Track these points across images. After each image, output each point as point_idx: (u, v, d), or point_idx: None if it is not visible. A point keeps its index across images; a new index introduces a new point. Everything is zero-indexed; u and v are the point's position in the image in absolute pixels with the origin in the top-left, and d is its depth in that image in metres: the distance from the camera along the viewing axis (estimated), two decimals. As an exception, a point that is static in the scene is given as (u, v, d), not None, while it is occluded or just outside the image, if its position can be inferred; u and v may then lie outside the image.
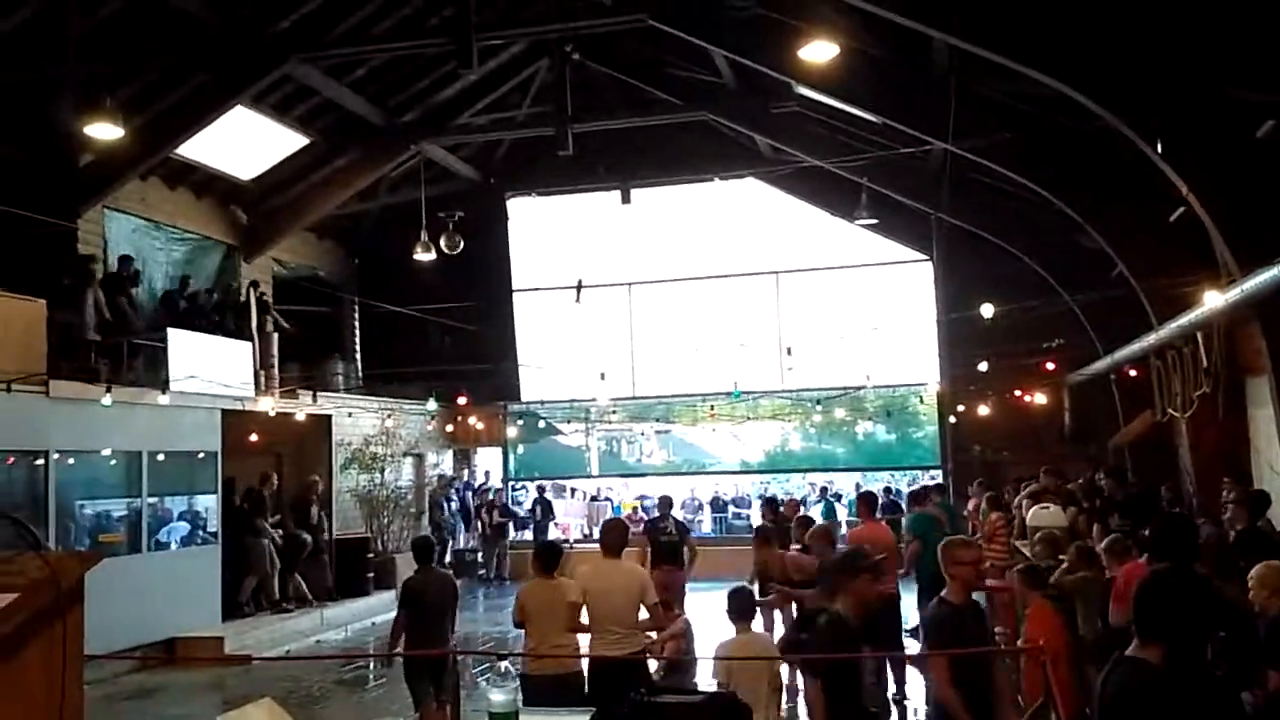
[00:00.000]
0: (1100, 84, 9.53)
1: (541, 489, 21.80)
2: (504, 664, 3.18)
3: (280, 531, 15.42)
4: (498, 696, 3.12)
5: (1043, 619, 6.20)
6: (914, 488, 15.58)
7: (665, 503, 13.63)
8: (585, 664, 6.90)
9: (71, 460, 12.45)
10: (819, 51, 9.71)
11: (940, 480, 17.45)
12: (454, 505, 20.90)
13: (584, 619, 6.97)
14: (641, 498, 22.16)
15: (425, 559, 8.39)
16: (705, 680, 9.43)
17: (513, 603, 7.53)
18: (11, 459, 11.83)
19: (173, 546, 13.93)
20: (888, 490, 18.56)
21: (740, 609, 6.65)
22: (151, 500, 13.46)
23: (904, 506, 16.11)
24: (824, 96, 14.17)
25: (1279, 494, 9.48)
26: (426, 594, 8.10)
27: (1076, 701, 5.31)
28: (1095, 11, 9.40)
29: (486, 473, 22.71)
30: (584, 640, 7.06)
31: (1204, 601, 3.11)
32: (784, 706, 6.43)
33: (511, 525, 20.96)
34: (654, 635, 7.35)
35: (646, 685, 5.79)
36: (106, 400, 12.26)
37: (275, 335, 16.57)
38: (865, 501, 11.15)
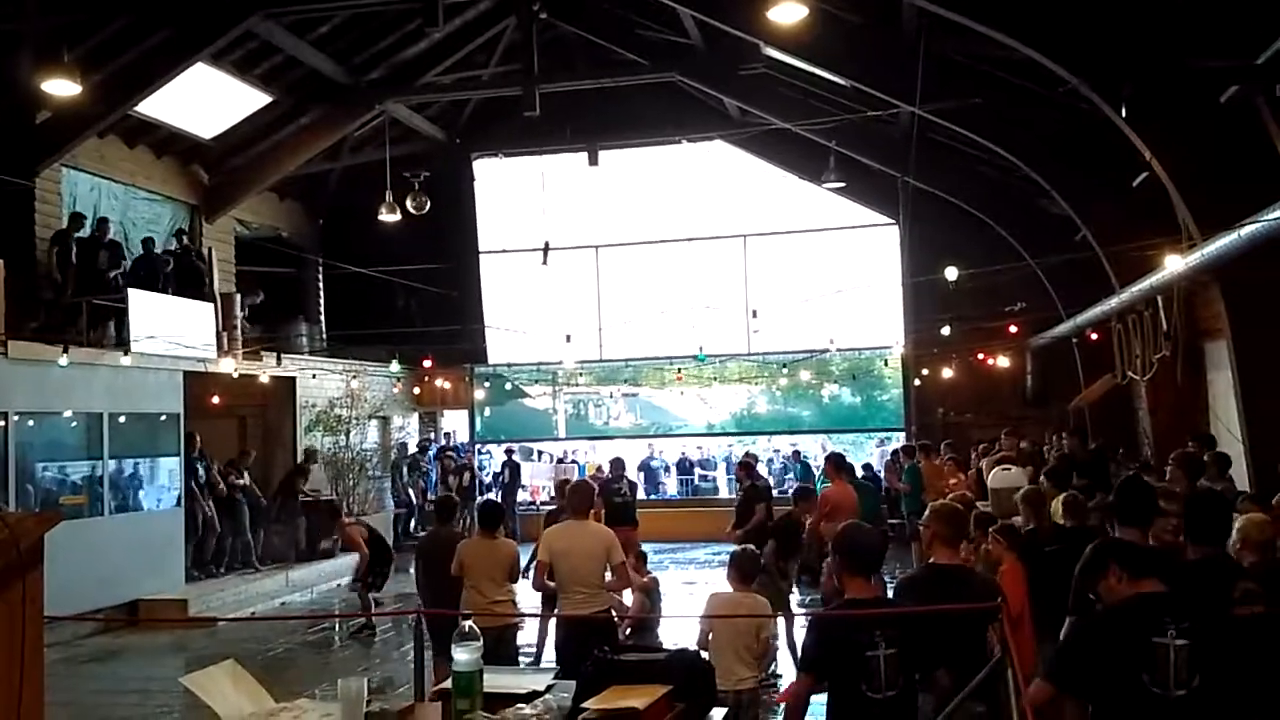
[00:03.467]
0: (1067, 49, 9.57)
1: (510, 451, 21.79)
2: (468, 623, 3.19)
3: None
4: (462, 655, 3.13)
5: (1014, 579, 6.27)
6: (904, 445, 17.03)
7: (618, 464, 13.70)
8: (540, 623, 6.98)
9: (31, 422, 12.32)
10: (787, 13, 9.63)
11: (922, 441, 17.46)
12: (430, 469, 20.84)
13: (550, 580, 7.06)
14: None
15: (443, 518, 8.55)
16: (674, 640, 9.56)
17: None
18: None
19: (134, 509, 13.82)
20: (867, 468, 18.58)
21: (743, 572, 6.67)
22: (113, 462, 13.35)
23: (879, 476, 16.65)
24: (792, 59, 14.13)
25: (1236, 456, 9.65)
26: (434, 553, 8.29)
27: (1034, 663, 5.39)
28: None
29: (446, 434, 22.63)
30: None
31: None
32: (761, 668, 6.47)
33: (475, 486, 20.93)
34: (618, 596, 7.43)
35: (611, 643, 5.84)
36: (63, 361, 12.11)
37: (238, 296, 16.41)
38: (834, 462, 11.47)
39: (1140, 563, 3.90)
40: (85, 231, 14.28)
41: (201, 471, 14.89)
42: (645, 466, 22.20)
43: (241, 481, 15.64)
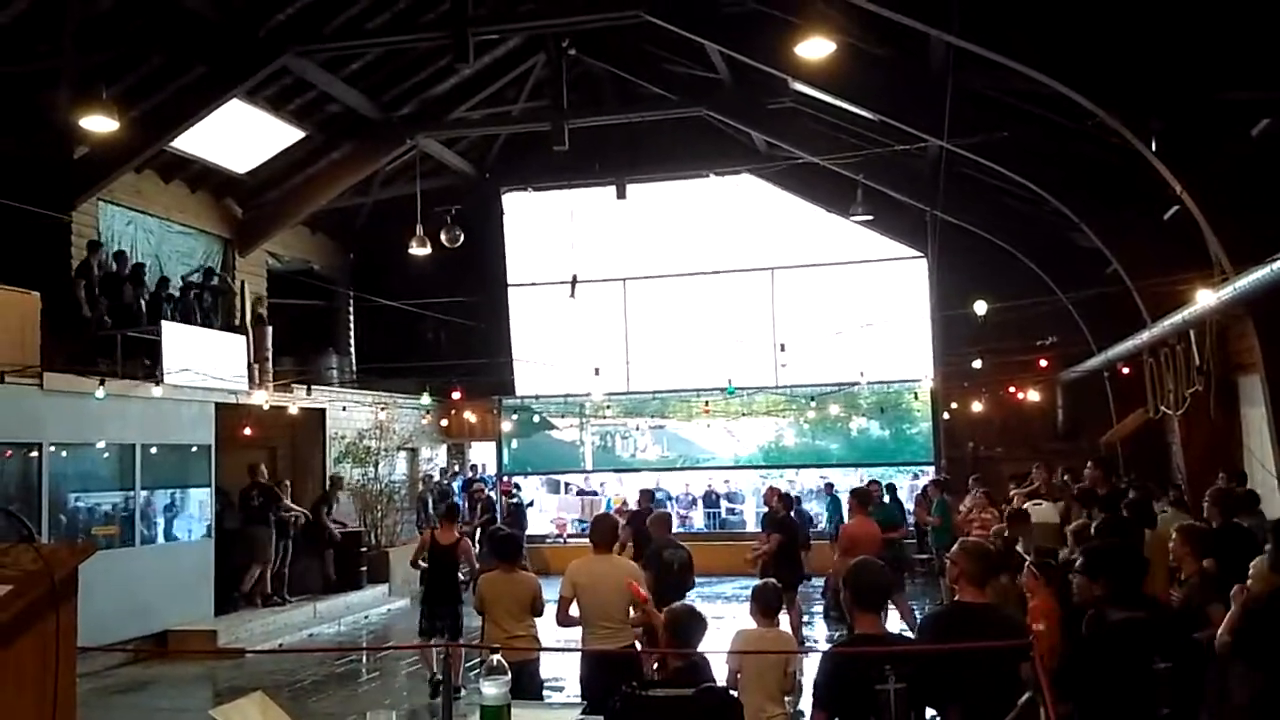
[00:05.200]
0: (1096, 82, 9.55)
1: (517, 486, 21.85)
2: (496, 657, 3.19)
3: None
4: (490, 690, 3.13)
5: (1049, 613, 6.21)
6: (933, 479, 17.10)
7: (646, 496, 13.49)
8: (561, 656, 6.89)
9: (65, 453, 12.44)
10: (815, 48, 9.70)
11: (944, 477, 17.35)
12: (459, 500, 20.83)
13: (574, 613, 7.00)
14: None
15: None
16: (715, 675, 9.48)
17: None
18: (10, 453, 11.79)
19: (165, 540, 13.91)
20: (891, 487, 18.43)
21: (765, 606, 6.61)
22: (145, 493, 13.45)
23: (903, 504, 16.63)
24: (820, 93, 14.18)
25: (1271, 492, 9.53)
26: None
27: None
28: (1092, 10, 9.41)
29: (474, 466, 22.61)
30: (576, 634, 7.09)
31: None
32: (790, 705, 6.40)
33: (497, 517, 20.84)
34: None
35: (638, 679, 5.80)
36: (100, 393, 12.25)
37: (269, 329, 16.55)
38: (857, 497, 11.41)
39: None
40: (102, 257, 14.38)
41: (260, 501, 14.98)
42: (679, 500, 22.15)
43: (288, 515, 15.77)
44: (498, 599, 7.41)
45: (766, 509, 13.37)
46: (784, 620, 10.36)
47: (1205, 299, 9.50)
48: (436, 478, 20.90)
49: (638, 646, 7.14)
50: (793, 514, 12.50)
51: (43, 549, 2.32)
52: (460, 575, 10.24)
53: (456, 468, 22.19)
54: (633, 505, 14.13)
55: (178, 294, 15.48)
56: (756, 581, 7.19)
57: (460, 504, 20.63)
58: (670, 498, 22.16)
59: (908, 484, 20.71)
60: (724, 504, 22.55)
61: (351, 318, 20.91)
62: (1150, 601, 4.83)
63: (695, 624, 5.35)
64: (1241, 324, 10.66)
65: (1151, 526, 8.16)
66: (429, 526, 13.19)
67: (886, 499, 15.62)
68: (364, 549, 17.33)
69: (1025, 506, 11.70)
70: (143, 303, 14.43)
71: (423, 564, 10.28)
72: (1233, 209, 9.38)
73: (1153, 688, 4.17)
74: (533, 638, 7.45)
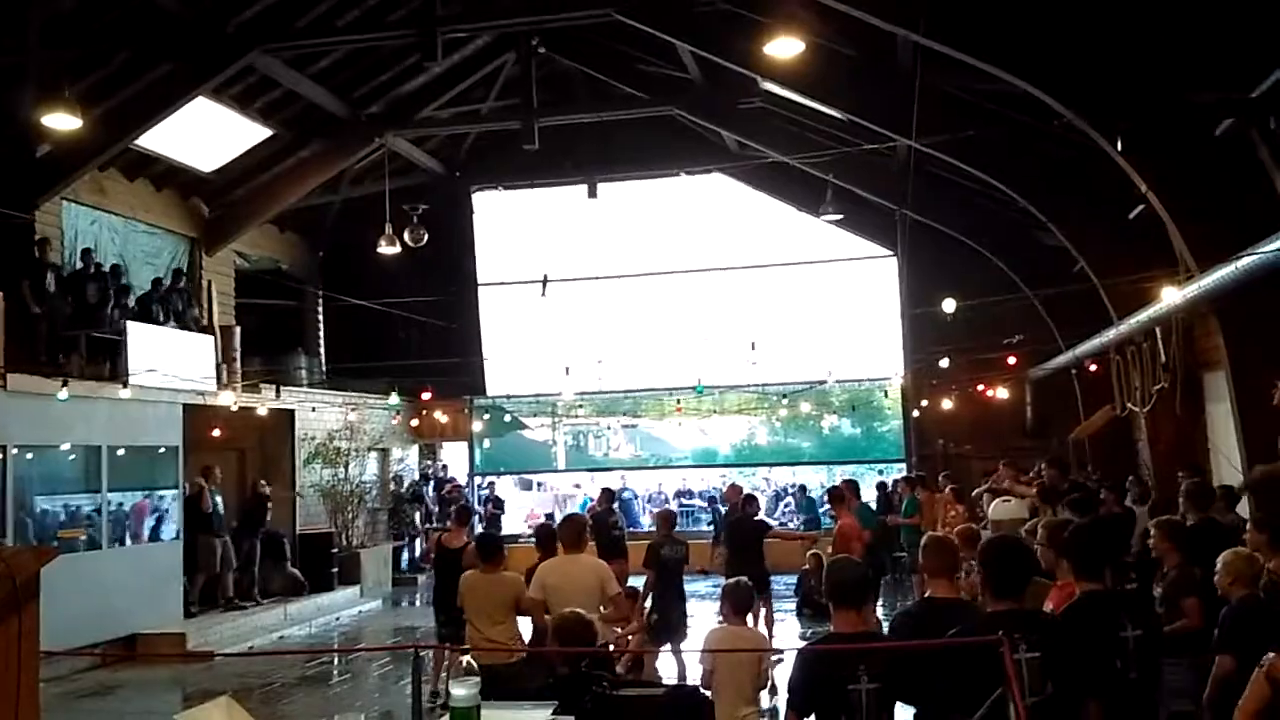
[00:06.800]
0: (1063, 83, 9.64)
1: (491, 485, 21.80)
2: (466, 659, 3.17)
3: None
4: (459, 691, 3.11)
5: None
6: (904, 476, 17.28)
7: (607, 495, 13.25)
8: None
9: (30, 455, 12.29)
10: (785, 47, 9.72)
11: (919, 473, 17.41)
12: (430, 498, 20.81)
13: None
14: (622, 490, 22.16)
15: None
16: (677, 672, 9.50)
17: None
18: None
19: (133, 542, 13.76)
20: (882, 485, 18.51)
21: (737, 604, 6.61)
22: (112, 495, 13.31)
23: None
24: (790, 92, 14.23)
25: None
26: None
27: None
28: (1058, 11, 9.49)
29: (444, 467, 22.53)
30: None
31: None
32: (766, 703, 6.41)
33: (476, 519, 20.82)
34: (619, 629, 7.36)
35: (609, 678, 5.80)
36: (62, 394, 12.10)
37: (237, 329, 16.42)
38: (836, 496, 11.65)
39: None
40: (56, 257, 14.12)
41: (218, 503, 14.79)
42: (652, 499, 22.18)
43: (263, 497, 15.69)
44: (475, 599, 7.29)
45: (725, 507, 13.38)
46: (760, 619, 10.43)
47: (1170, 297, 9.60)
48: (406, 483, 20.81)
49: (610, 647, 7.14)
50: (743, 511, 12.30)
51: (4, 552, 2.29)
52: None
53: (429, 469, 22.12)
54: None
55: (151, 294, 15.29)
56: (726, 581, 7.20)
57: (433, 507, 20.69)
58: (636, 496, 22.20)
59: (874, 482, 20.76)
60: (696, 503, 22.56)
61: (321, 317, 20.79)
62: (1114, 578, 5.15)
63: (585, 633, 5.28)
64: (1206, 321, 10.79)
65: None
66: (438, 530, 13.01)
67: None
68: (335, 550, 17.23)
69: (994, 503, 11.81)
70: (112, 308, 14.19)
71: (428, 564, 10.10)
72: (1197, 208, 9.49)
73: (1123, 654, 4.50)
74: (511, 638, 7.19)
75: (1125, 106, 9.41)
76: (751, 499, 12.69)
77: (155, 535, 14.10)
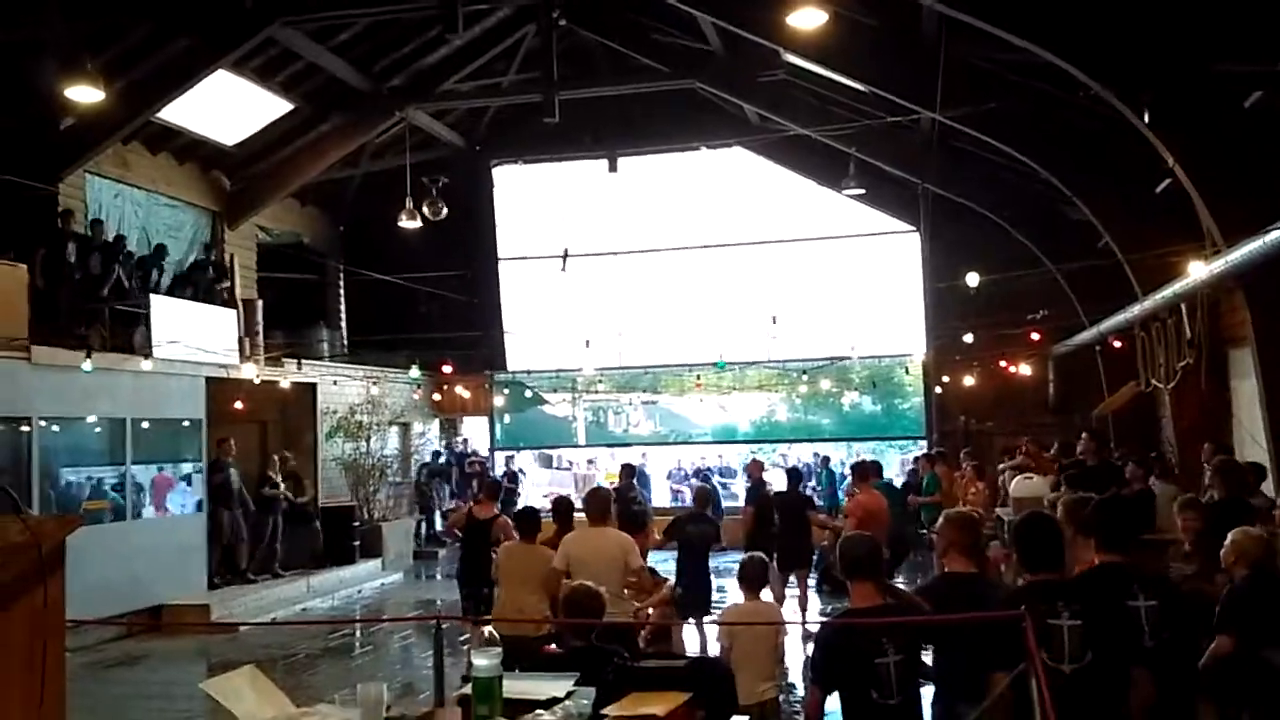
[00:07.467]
0: (1089, 54, 9.50)
1: (509, 459, 21.87)
2: (487, 629, 3.18)
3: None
4: (480, 661, 3.12)
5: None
6: (924, 453, 16.86)
7: (628, 470, 13.47)
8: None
9: (55, 427, 12.39)
10: (807, 18, 9.60)
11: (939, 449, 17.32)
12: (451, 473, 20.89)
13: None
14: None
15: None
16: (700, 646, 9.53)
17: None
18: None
19: (156, 514, 13.88)
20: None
21: (752, 577, 6.64)
22: (136, 467, 13.41)
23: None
24: (812, 64, 14.09)
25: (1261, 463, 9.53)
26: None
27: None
28: (1085, -20, 9.36)
29: (463, 441, 22.60)
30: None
31: None
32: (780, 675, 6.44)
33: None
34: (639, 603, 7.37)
35: (631, 650, 5.82)
36: (86, 366, 12.18)
37: (259, 303, 16.47)
38: (858, 471, 11.70)
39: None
40: (82, 229, 14.09)
41: (235, 477, 14.89)
42: (671, 475, 22.21)
43: (274, 491, 15.64)
44: (512, 570, 7.50)
45: (750, 482, 13.45)
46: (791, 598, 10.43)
47: (1197, 271, 9.50)
48: (428, 459, 20.88)
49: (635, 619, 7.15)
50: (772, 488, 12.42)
51: (29, 520, 2.30)
52: (494, 553, 10.22)
53: (449, 442, 22.19)
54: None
55: (186, 275, 15.37)
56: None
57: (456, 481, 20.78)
58: (686, 476, 22.22)
59: (898, 460, 20.70)
60: (715, 479, 22.55)
61: (342, 291, 20.84)
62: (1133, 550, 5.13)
63: (592, 604, 5.27)
64: (1233, 297, 10.67)
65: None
66: (469, 501, 13.16)
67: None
68: (356, 524, 17.33)
69: (1016, 480, 11.78)
70: (121, 274, 14.13)
71: (458, 534, 10.28)
72: (1225, 181, 9.36)
73: (1137, 621, 4.59)
74: (542, 611, 7.20)
75: (1152, 78, 9.26)
76: (797, 473, 12.88)
77: (179, 507, 14.22)
